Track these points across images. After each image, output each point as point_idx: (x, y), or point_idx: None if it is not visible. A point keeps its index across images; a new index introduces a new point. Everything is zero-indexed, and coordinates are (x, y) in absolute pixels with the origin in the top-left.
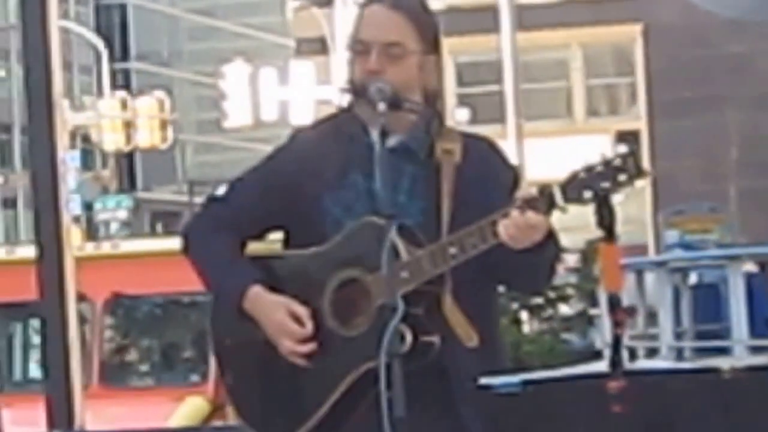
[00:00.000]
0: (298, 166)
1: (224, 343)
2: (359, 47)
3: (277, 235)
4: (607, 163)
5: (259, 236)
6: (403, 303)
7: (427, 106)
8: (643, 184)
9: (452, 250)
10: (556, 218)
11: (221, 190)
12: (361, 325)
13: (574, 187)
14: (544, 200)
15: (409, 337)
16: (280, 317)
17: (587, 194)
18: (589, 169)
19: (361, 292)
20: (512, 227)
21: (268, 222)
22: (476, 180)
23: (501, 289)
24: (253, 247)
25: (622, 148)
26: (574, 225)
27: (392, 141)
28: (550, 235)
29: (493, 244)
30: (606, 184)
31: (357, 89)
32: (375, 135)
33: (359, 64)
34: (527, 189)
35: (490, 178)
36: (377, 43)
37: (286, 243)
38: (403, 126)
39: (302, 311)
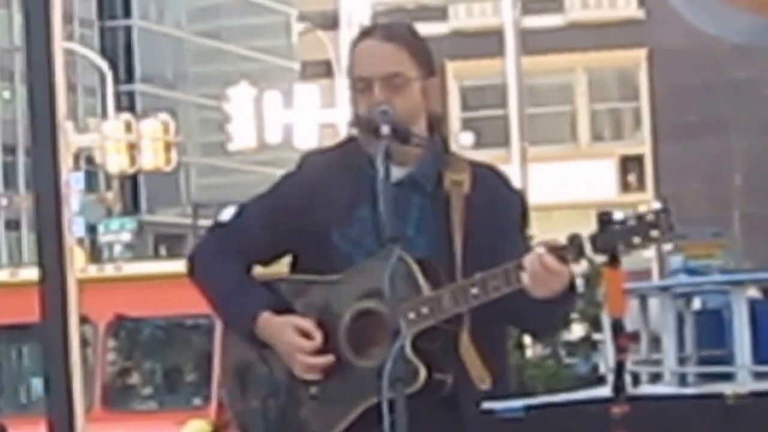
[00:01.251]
0: (307, 197)
1: (234, 369)
2: (360, 85)
3: (284, 260)
4: (640, 217)
5: (266, 263)
6: (406, 327)
7: (432, 134)
8: (645, 208)
9: (474, 291)
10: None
11: (228, 216)
12: (376, 357)
13: (604, 239)
14: (573, 249)
15: (423, 373)
16: (289, 336)
17: (618, 247)
18: (621, 222)
19: (377, 323)
20: (537, 277)
21: (275, 249)
22: (486, 210)
23: None
24: (263, 271)
25: (657, 204)
26: None
27: (400, 173)
28: (571, 285)
29: (516, 288)
30: (637, 239)
31: (362, 123)
32: (379, 160)
33: (364, 100)
34: (557, 239)
35: (499, 207)
36: (378, 78)
37: (294, 267)
38: (411, 158)
39: (308, 325)
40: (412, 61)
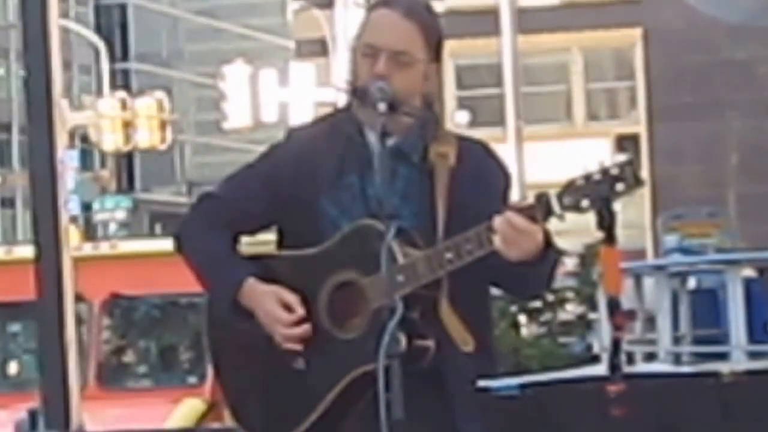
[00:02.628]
0: (295, 165)
1: (220, 344)
2: (368, 51)
3: (269, 236)
4: (605, 171)
5: (252, 233)
6: (401, 304)
7: (424, 109)
8: (641, 189)
9: (448, 256)
10: (555, 221)
11: (214, 187)
12: (356, 328)
13: (571, 195)
14: (541, 208)
15: (403, 341)
16: (270, 306)
17: (584, 202)
18: (586, 177)
19: (357, 294)
20: (506, 237)
21: (262, 219)
22: (470, 183)
23: (497, 292)
24: (247, 248)
25: (621, 157)
26: (573, 229)
27: (387, 143)
28: (548, 244)
29: (489, 251)
30: (603, 193)
31: (358, 90)
32: (374, 136)
33: (366, 67)
34: (524, 198)
35: (483, 181)
36: (387, 50)
37: (280, 242)
38: (399, 129)
39: (292, 298)
40: (422, 43)
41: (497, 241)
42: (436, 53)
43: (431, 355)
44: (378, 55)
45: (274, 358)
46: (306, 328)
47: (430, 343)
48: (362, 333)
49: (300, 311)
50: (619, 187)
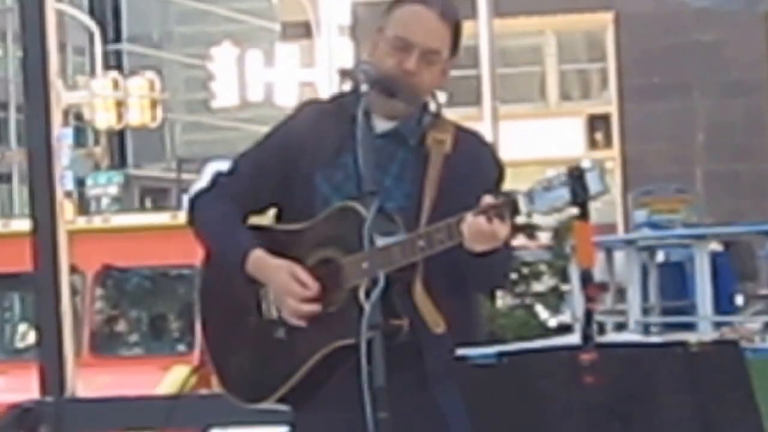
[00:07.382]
0: (298, 140)
1: (211, 310)
2: (399, 44)
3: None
4: (571, 174)
5: (261, 211)
6: (383, 278)
7: (421, 97)
8: (611, 165)
9: (421, 243)
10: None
11: (228, 165)
12: (332, 305)
13: (538, 197)
14: (508, 207)
15: (379, 319)
16: (285, 278)
17: (549, 206)
18: (550, 180)
19: (335, 272)
20: (475, 231)
21: (268, 196)
22: (463, 172)
23: None
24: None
25: (587, 163)
26: None
27: (385, 126)
28: (505, 243)
29: (459, 242)
30: (567, 198)
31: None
32: (377, 119)
33: (395, 59)
34: (490, 197)
35: (476, 171)
36: (420, 47)
37: (279, 218)
38: (401, 113)
39: (305, 276)
40: (449, 43)
41: (466, 232)
42: (456, 50)
43: (404, 334)
44: (410, 51)
45: (260, 326)
46: (315, 307)
47: (403, 322)
48: (339, 309)
49: (314, 289)
50: (580, 192)
